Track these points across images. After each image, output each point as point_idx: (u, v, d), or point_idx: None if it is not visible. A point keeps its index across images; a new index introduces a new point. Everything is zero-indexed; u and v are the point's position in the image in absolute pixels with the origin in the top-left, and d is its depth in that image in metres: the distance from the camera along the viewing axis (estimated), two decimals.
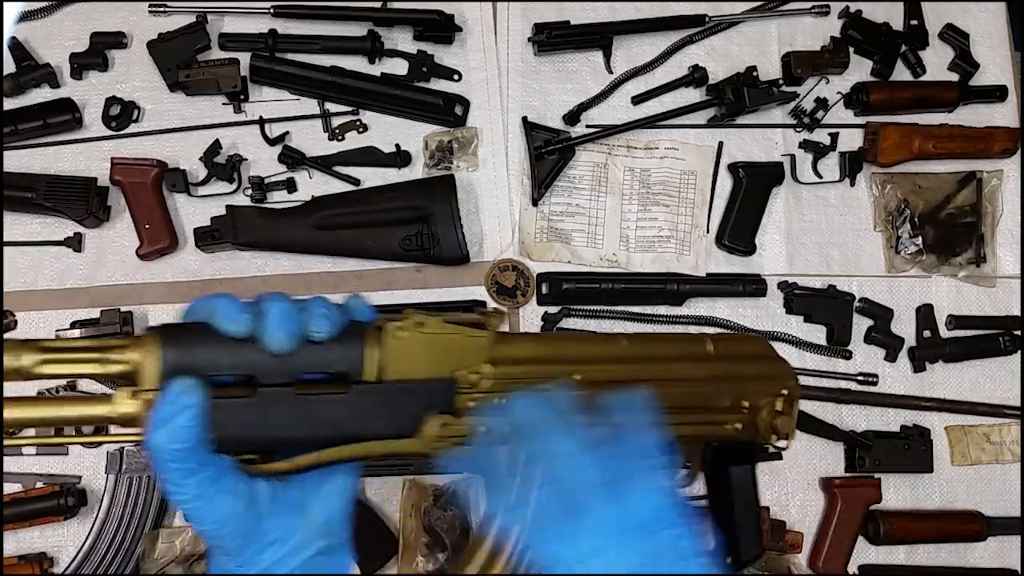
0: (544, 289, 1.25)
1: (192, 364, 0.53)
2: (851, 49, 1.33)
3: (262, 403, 0.55)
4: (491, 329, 0.62)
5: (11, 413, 0.51)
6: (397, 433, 0.59)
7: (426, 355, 0.60)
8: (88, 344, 0.53)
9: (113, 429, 0.55)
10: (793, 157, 1.31)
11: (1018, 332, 1.30)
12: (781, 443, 0.72)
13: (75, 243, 1.21)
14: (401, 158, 1.26)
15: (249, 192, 1.23)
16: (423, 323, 0.60)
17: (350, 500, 0.62)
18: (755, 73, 1.28)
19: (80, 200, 1.18)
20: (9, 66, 1.23)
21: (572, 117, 1.29)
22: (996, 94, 1.35)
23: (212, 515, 0.54)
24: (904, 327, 1.29)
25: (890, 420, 1.28)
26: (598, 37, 1.30)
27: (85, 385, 1.15)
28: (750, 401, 0.70)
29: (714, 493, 0.77)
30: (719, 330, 1.26)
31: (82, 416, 0.53)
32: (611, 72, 1.31)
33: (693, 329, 1.26)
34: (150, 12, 1.26)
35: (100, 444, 1.17)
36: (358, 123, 1.27)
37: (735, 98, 1.27)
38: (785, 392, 0.72)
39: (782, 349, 1.27)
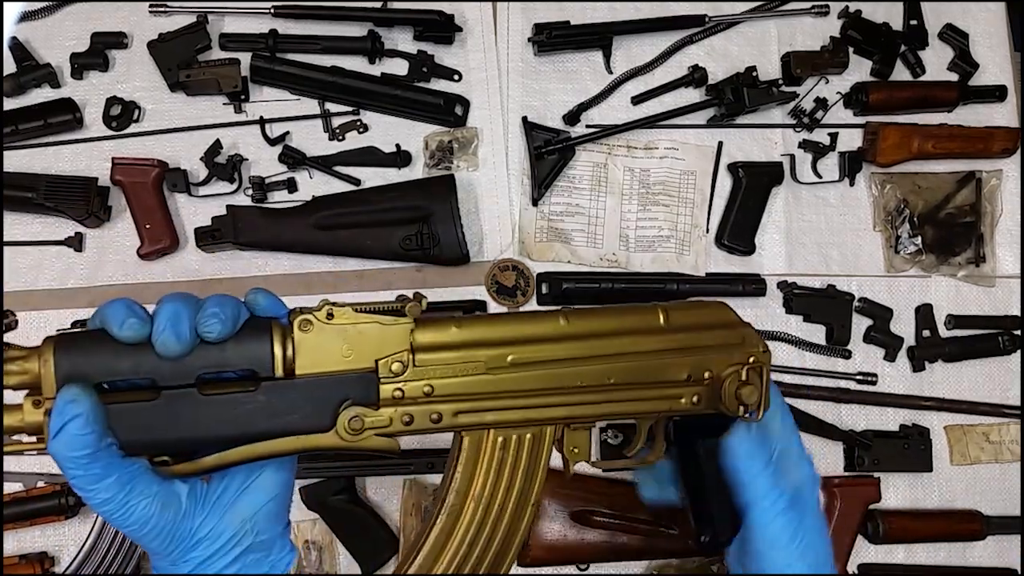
0: (544, 289, 1.25)
1: (87, 371, 0.53)
2: (851, 49, 1.33)
3: (166, 405, 0.55)
4: (410, 315, 0.61)
5: None
6: (312, 428, 0.59)
7: (342, 347, 0.59)
8: None
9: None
10: (793, 157, 1.31)
11: (1017, 332, 1.30)
12: (749, 416, 0.68)
13: (76, 243, 1.22)
14: (401, 158, 1.26)
15: (250, 192, 1.24)
16: (332, 314, 0.59)
17: (280, 496, 0.62)
18: (755, 73, 1.28)
19: (81, 200, 1.18)
20: (10, 66, 1.23)
21: (572, 117, 1.29)
22: (996, 94, 1.35)
23: (128, 518, 0.54)
24: (903, 327, 1.29)
25: (889, 419, 1.28)
26: (598, 37, 1.30)
27: None
28: (711, 371, 0.67)
29: (684, 470, 0.73)
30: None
31: None
32: (611, 72, 1.31)
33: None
34: (150, 12, 1.26)
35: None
36: (358, 123, 1.27)
37: (735, 98, 1.27)
38: (751, 359, 0.68)
39: (782, 349, 1.27)
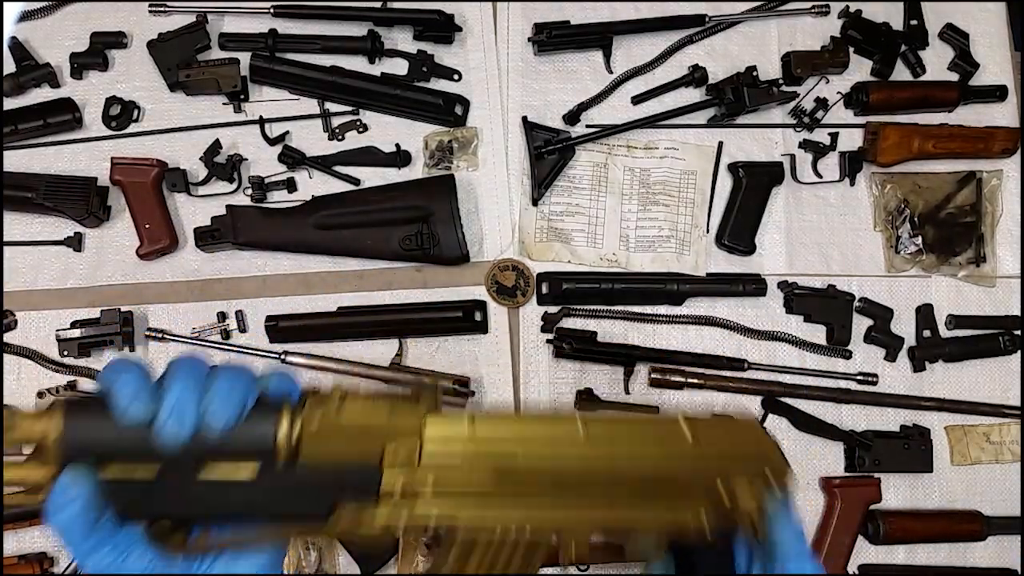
0: (544, 289, 1.25)
1: (90, 446, 0.54)
2: (851, 49, 1.33)
3: (166, 483, 0.55)
4: (422, 408, 0.60)
5: None
6: (309, 518, 0.58)
7: (349, 436, 0.58)
8: None
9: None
10: (793, 157, 1.31)
11: (1018, 332, 1.30)
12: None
13: (75, 243, 1.21)
14: (401, 158, 1.26)
15: (249, 192, 1.23)
16: (342, 407, 0.58)
17: (274, 562, 0.62)
18: (755, 73, 1.28)
19: (80, 200, 1.18)
20: (9, 66, 1.23)
21: (572, 117, 1.29)
22: (996, 94, 1.35)
23: None
24: (904, 327, 1.29)
25: (890, 420, 1.28)
26: (598, 37, 1.30)
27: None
28: (728, 489, 0.63)
29: (681, 571, 0.70)
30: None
31: None
32: (611, 72, 1.31)
33: (692, 328, 1.26)
34: (150, 12, 1.26)
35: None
36: (358, 123, 1.27)
37: (735, 98, 1.27)
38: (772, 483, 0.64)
39: (782, 349, 1.27)
